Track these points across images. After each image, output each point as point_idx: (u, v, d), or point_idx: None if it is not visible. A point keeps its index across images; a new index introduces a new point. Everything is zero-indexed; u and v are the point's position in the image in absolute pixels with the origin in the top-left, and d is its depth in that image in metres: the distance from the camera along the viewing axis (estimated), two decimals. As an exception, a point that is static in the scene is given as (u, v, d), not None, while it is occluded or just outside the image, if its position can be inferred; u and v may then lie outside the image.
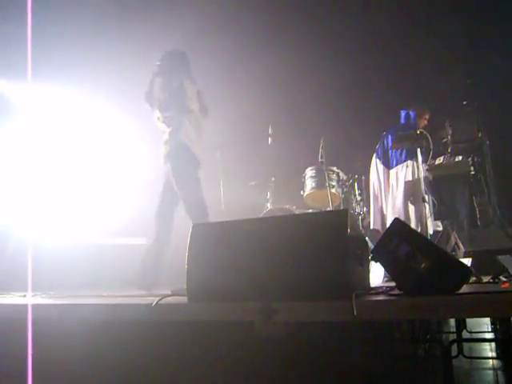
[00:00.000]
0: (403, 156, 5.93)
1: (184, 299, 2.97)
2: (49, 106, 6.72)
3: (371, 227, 6.12)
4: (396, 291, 2.66)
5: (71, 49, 6.60)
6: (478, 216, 5.78)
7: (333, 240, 2.64)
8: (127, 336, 3.00)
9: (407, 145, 5.78)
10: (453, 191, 5.89)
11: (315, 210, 6.34)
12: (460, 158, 5.91)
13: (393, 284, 2.81)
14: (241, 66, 7.27)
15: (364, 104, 7.16)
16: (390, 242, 2.59)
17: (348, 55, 7.14)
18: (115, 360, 2.98)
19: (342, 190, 6.30)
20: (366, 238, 3.26)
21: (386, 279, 4.21)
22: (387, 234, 2.67)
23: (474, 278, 3.25)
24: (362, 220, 6.24)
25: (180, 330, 2.86)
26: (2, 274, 4.82)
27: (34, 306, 3.23)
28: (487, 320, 3.85)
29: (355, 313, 2.25)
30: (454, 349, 2.88)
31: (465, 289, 2.50)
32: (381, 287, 3.10)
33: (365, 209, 6.38)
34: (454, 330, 3.35)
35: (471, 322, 3.61)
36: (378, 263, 2.79)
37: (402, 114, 6.29)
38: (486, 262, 4.07)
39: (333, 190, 6.09)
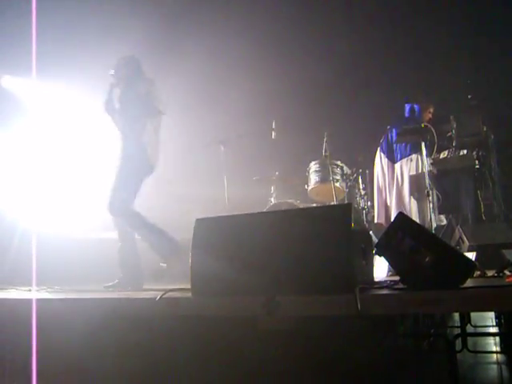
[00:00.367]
0: (408, 150, 5.91)
1: (188, 293, 2.97)
2: (55, 103, 6.73)
3: (375, 221, 6.11)
4: (400, 285, 2.66)
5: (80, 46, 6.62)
6: (482, 210, 5.76)
7: (337, 234, 2.63)
8: (131, 330, 3.01)
9: (412, 139, 5.76)
10: (457, 185, 5.87)
11: (319, 204, 6.33)
12: (465, 152, 5.88)
13: (397, 278, 2.80)
14: (244, 60, 7.26)
15: (368, 98, 7.13)
16: (394, 236, 2.58)
17: (352, 49, 7.11)
18: (118, 354, 2.99)
19: (346, 184, 6.28)
20: (370, 232, 3.25)
21: (389, 273, 4.20)
22: (391, 228, 2.66)
23: (478, 272, 3.24)
24: (366, 214, 6.24)
25: (183, 324, 2.87)
26: (8, 268, 4.84)
27: (39, 301, 3.24)
28: (491, 314, 3.84)
29: (359, 307, 2.25)
30: (459, 343, 2.88)
31: (469, 283, 2.49)
32: (385, 281, 3.10)
33: (369, 203, 6.37)
34: (459, 324, 3.35)
35: (475, 316, 3.61)
36: (382, 257, 2.78)
37: (407, 107, 6.26)
38: (491, 256, 4.06)
39: (337, 184, 6.08)
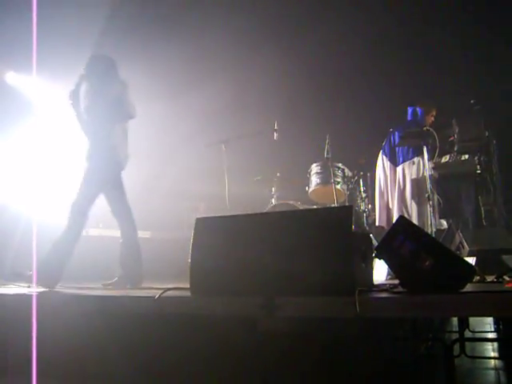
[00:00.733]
0: (410, 153, 5.92)
1: (187, 293, 2.97)
2: (59, 98, 6.72)
3: (376, 224, 6.10)
4: (399, 289, 2.66)
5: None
6: (483, 215, 5.76)
7: (337, 236, 2.64)
8: (130, 328, 3.01)
9: (414, 142, 5.76)
10: (458, 190, 5.86)
11: (320, 206, 6.33)
12: (466, 156, 5.87)
13: (396, 282, 2.80)
14: (247, 60, 7.25)
15: (370, 100, 7.14)
16: (395, 240, 2.58)
17: (355, 52, 7.11)
18: (117, 351, 2.99)
19: (348, 186, 6.28)
20: (371, 235, 3.25)
21: (389, 277, 4.20)
22: (392, 231, 2.67)
23: (477, 277, 3.23)
24: (367, 217, 6.23)
25: (182, 323, 2.87)
26: (10, 264, 4.84)
27: (39, 297, 3.25)
28: (490, 320, 3.84)
29: (358, 309, 2.25)
30: (457, 348, 2.88)
31: (468, 288, 2.49)
32: (384, 284, 3.10)
33: (370, 206, 6.37)
34: (457, 329, 3.35)
35: (474, 321, 3.61)
36: (382, 260, 2.78)
37: (409, 110, 6.26)
38: (491, 261, 4.05)
39: (338, 187, 6.07)
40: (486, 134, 5.94)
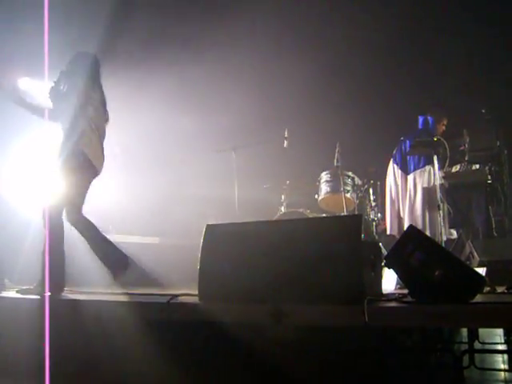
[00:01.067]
0: (422, 162, 5.90)
1: (195, 299, 2.98)
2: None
3: (387, 233, 6.07)
4: (409, 298, 2.64)
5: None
6: (493, 225, 5.72)
7: (346, 245, 2.63)
8: (138, 333, 3.02)
9: (424, 151, 5.75)
10: (469, 200, 5.83)
11: (329, 215, 6.32)
12: (477, 166, 5.84)
13: (405, 291, 2.79)
14: (258, 67, 7.28)
15: (381, 109, 7.13)
16: (405, 249, 2.57)
17: (366, 61, 7.11)
18: (127, 355, 3.00)
19: (357, 195, 6.27)
20: (380, 244, 3.24)
21: (398, 286, 4.18)
22: (402, 240, 2.66)
23: (487, 288, 3.21)
24: (376, 226, 6.21)
25: (190, 329, 2.87)
26: (21, 268, 4.87)
27: (50, 301, 3.27)
28: (500, 331, 3.80)
29: (367, 319, 2.24)
30: (466, 359, 2.85)
31: (478, 298, 2.48)
32: (393, 294, 3.08)
33: (379, 215, 6.35)
34: (466, 340, 3.32)
35: (484, 332, 3.57)
36: (391, 270, 2.77)
37: (420, 119, 6.25)
38: (501, 271, 4.02)
39: (347, 195, 6.07)
40: (497, 143, 5.91)
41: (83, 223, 4.29)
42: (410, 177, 5.99)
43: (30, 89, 6.32)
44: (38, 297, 3.73)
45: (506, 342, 3.72)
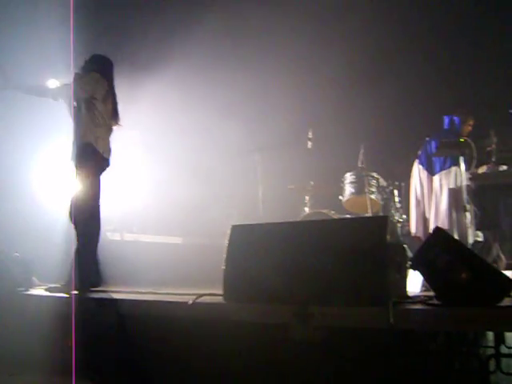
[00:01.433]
0: (448, 162, 5.83)
1: (220, 299, 3.00)
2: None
3: (412, 234, 6.02)
4: (434, 301, 2.62)
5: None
6: (521, 227, 5.63)
7: (372, 246, 2.62)
8: (163, 332, 3.05)
9: (450, 152, 5.68)
10: (496, 201, 5.73)
11: (353, 216, 6.29)
12: (505, 167, 5.75)
13: (431, 293, 2.77)
14: (283, 70, 7.28)
15: (406, 109, 7.07)
16: (431, 251, 2.55)
17: (391, 60, 7.06)
18: (150, 355, 3.03)
19: (382, 196, 6.22)
20: (405, 246, 3.22)
21: (423, 288, 4.15)
22: (428, 242, 2.64)
23: (515, 291, 3.16)
24: (401, 227, 6.16)
25: (215, 328, 2.89)
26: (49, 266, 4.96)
27: (76, 300, 3.33)
28: (528, 335, 3.74)
29: (392, 321, 2.24)
30: (492, 364, 2.81)
31: (506, 302, 2.45)
32: (418, 296, 3.06)
33: (404, 216, 6.29)
34: (492, 344, 3.27)
35: (510, 336, 3.52)
36: (416, 272, 2.75)
37: (446, 119, 6.17)
38: (529, 275, 3.96)
39: (372, 197, 6.03)
40: (526, 144, 5.82)
41: (92, 222, 4.33)
42: (436, 178, 5.92)
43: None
44: (66, 295, 3.80)
45: (533, 347, 3.66)
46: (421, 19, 6.95)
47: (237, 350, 2.79)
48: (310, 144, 6.50)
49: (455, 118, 6.06)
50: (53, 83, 6.63)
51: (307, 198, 6.72)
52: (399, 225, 6.11)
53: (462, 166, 5.41)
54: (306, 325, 2.48)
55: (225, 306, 2.91)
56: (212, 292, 3.18)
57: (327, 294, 2.62)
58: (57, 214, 5.28)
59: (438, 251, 2.51)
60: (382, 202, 6.17)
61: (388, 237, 2.62)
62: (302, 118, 7.15)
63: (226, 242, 3.10)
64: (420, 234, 5.88)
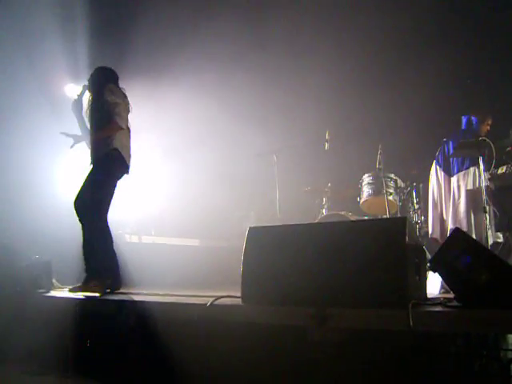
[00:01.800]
0: (466, 163, 5.77)
1: (238, 301, 3.00)
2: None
3: (429, 236, 5.97)
4: (454, 303, 2.60)
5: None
6: (542, 229, 5.55)
7: (390, 248, 2.61)
8: (181, 334, 3.06)
9: (469, 153, 5.62)
10: (516, 202, 5.67)
11: (371, 218, 6.26)
12: (525, 167, 5.69)
13: (451, 295, 2.74)
14: (300, 71, 7.28)
15: (424, 110, 7.02)
16: (450, 252, 2.53)
17: (408, 61, 7.01)
18: (168, 356, 3.05)
19: (400, 197, 6.19)
20: (424, 247, 3.20)
21: (442, 290, 4.11)
22: (447, 243, 2.62)
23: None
24: (420, 229, 6.11)
25: (233, 330, 2.89)
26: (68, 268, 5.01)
27: (98, 301, 3.36)
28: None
29: (411, 323, 2.22)
30: (513, 367, 2.78)
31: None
32: (438, 298, 3.03)
33: (422, 217, 6.25)
34: (513, 347, 3.23)
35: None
36: (436, 273, 2.73)
37: (464, 119, 6.11)
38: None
39: (390, 198, 6.00)
40: (546, 144, 5.73)
41: (100, 224, 4.34)
42: (454, 179, 5.87)
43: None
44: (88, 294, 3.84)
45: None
46: (440, 19, 6.89)
47: (255, 351, 2.79)
48: (327, 145, 6.48)
49: (473, 118, 6.00)
50: (71, 88, 6.73)
51: (324, 199, 6.70)
52: (417, 226, 6.07)
53: (481, 166, 5.35)
54: (324, 327, 2.47)
55: (242, 308, 2.92)
56: (230, 294, 3.19)
57: (345, 295, 2.61)
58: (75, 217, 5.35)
59: (457, 252, 2.48)
60: (399, 203, 6.14)
61: (407, 238, 2.60)
62: (319, 120, 7.14)
63: (244, 243, 3.11)
64: (437, 236, 5.83)
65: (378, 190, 6.10)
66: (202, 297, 3.51)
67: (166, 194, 7.36)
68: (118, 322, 3.26)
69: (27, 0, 6.16)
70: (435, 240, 5.79)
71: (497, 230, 5.61)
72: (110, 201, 4.40)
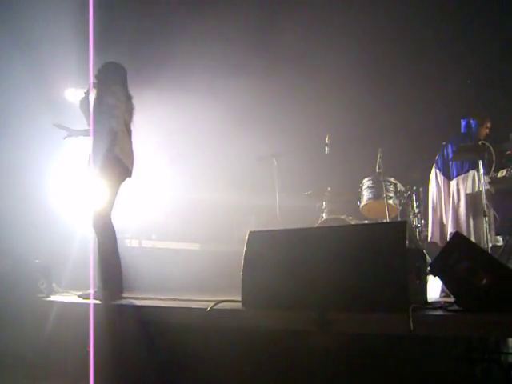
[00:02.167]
0: (465, 167, 5.77)
1: (238, 305, 3.00)
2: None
3: (429, 240, 5.97)
4: (455, 307, 2.60)
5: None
6: (542, 232, 5.54)
7: (391, 252, 2.61)
8: (182, 338, 3.06)
9: (468, 156, 5.62)
10: (516, 206, 5.67)
11: (371, 222, 6.26)
12: (525, 171, 5.69)
13: (451, 299, 2.74)
14: (299, 74, 7.29)
15: (423, 114, 7.03)
16: (450, 256, 2.53)
17: (408, 65, 7.03)
18: (169, 360, 3.04)
19: (400, 201, 6.19)
20: (424, 251, 3.20)
21: (443, 294, 4.11)
22: (447, 247, 2.62)
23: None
24: (420, 233, 6.11)
25: (233, 335, 2.89)
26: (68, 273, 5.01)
27: (95, 306, 3.35)
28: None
29: (412, 327, 2.22)
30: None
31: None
32: (438, 302, 3.03)
33: (422, 221, 6.25)
34: (514, 351, 3.23)
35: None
36: (436, 277, 2.73)
37: (463, 123, 6.11)
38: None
39: (390, 202, 6.00)
40: (546, 147, 5.74)
41: (108, 231, 4.31)
42: (453, 182, 5.86)
43: (76, 99, 6.52)
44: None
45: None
46: (441, 21, 6.91)
47: (256, 356, 2.79)
48: (327, 149, 6.48)
49: (472, 122, 6.00)
50: (71, 92, 6.73)
51: (325, 203, 6.70)
52: (417, 230, 6.07)
53: (481, 169, 5.35)
54: (326, 331, 2.47)
55: (243, 313, 2.91)
56: (230, 298, 3.19)
57: (346, 300, 2.61)
58: (76, 221, 5.35)
59: (457, 257, 2.49)
60: (399, 207, 6.14)
61: (407, 242, 2.60)
62: (319, 124, 7.14)
63: (244, 248, 3.11)
64: (436, 240, 5.82)
65: (378, 193, 6.09)
66: (202, 301, 3.51)
67: (167, 198, 7.36)
68: (119, 326, 3.25)
69: (28, 3, 6.16)
70: (435, 244, 5.78)
71: (497, 234, 5.61)
72: (113, 206, 4.40)
